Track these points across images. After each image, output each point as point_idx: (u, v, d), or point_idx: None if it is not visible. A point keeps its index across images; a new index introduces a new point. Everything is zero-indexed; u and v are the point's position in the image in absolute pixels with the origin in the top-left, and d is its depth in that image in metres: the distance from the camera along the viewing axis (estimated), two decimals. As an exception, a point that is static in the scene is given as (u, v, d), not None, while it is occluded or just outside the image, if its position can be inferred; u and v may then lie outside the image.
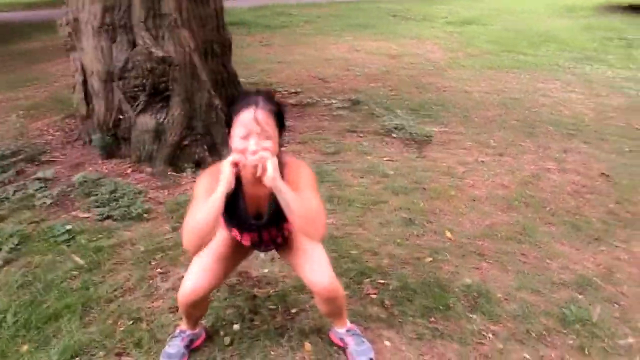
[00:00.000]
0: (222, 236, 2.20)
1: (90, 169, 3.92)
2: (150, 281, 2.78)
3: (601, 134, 4.94)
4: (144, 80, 3.74)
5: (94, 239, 3.12)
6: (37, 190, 3.62)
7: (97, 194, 3.48)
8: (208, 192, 1.85)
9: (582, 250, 3.17)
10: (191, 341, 2.34)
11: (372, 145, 4.63)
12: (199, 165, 3.94)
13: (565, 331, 2.52)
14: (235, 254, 2.24)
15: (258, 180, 1.86)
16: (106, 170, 3.90)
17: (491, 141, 4.78)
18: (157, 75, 3.73)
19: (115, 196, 3.45)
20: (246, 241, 2.20)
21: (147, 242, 3.09)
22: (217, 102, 4.00)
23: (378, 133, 4.92)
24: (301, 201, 1.84)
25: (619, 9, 10.70)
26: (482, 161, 4.37)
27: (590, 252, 3.15)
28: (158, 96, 3.81)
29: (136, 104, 3.84)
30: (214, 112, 3.98)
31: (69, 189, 3.65)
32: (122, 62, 3.80)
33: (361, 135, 4.87)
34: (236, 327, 2.47)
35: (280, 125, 1.91)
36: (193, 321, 2.33)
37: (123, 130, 3.97)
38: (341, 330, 2.36)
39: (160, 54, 3.71)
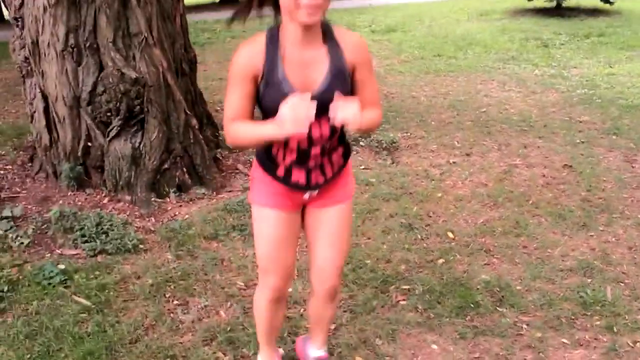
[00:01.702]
0: (269, 217, 1.90)
1: (61, 202, 3.64)
2: (171, 315, 2.62)
3: (550, 128, 5.25)
4: (118, 104, 3.53)
5: (93, 276, 2.90)
6: (7, 230, 3.31)
7: (81, 229, 3.22)
8: (244, 75, 1.68)
9: (574, 238, 3.35)
10: None
11: (344, 155, 4.64)
12: (181, 189, 3.77)
13: (589, 313, 2.65)
14: (290, 229, 1.94)
15: (307, 41, 1.66)
16: (80, 203, 3.64)
17: (455, 142, 4.94)
18: (131, 98, 3.53)
19: (102, 229, 3.22)
20: (292, 155, 1.79)
21: (153, 274, 2.91)
22: (194, 121, 3.86)
23: (344, 142, 4.95)
24: (377, 115, 1.79)
25: (527, 12, 11.46)
26: (454, 162, 4.51)
27: (582, 239, 3.34)
28: (132, 120, 3.62)
29: (109, 129, 3.62)
30: (192, 133, 3.83)
31: (44, 225, 3.37)
32: (91, 86, 3.57)
33: (328, 145, 4.87)
34: (281, 351, 2.38)
35: None
36: (273, 339, 2.20)
37: (93, 159, 3.72)
38: (312, 353, 2.26)
39: (133, 74, 3.52)
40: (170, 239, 3.24)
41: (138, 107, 3.58)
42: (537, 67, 7.59)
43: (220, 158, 4.33)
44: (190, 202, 3.70)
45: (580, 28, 9.81)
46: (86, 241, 3.15)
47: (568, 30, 9.71)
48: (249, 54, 1.68)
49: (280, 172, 1.84)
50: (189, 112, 3.82)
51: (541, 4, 11.43)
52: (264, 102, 1.71)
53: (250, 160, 4.47)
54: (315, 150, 1.78)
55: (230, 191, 3.93)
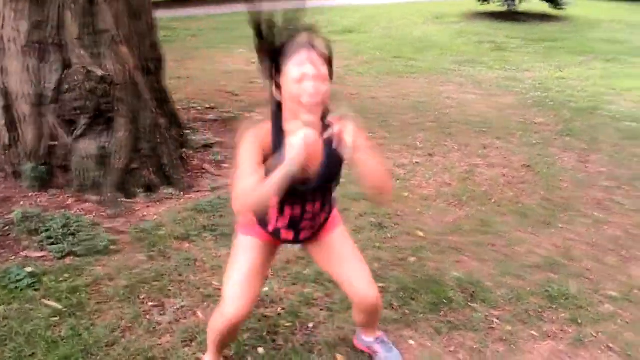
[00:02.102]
0: (254, 245, 2.05)
1: (22, 203, 3.52)
2: (148, 317, 2.58)
3: (508, 129, 5.44)
4: (86, 102, 3.45)
5: (63, 279, 2.81)
6: (-34, 233, 3.18)
7: (47, 230, 3.13)
8: (256, 156, 1.76)
9: (538, 235, 3.49)
10: None
11: (310, 155, 4.67)
12: (149, 189, 3.72)
13: (554, 307, 2.78)
14: (266, 262, 2.09)
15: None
16: (43, 204, 3.52)
17: (417, 143, 5.05)
18: (99, 96, 3.46)
19: (70, 230, 3.14)
20: (284, 221, 1.97)
21: (127, 275, 2.86)
22: (161, 121, 3.81)
23: (310, 142, 4.97)
24: (381, 167, 1.82)
25: (482, 16, 11.82)
26: (417, 162, 4.61)
27: (545, 236, 3.48)
28: (99, 118, 3.54)
29: (74, 128, 3.53)
30: (159, 132, 3.78)
31: (6, 227, 3.25)
32: (55, 83, 3.47)
33: (295, 145, 4.88)
34: (261, 350, 2.39)
35: (331, 70, 1.78)
36: (222, 350, 2.23)
37: (58, 158, 3.62)
38: (369, 338, 2.38)
39: (100, 72, 3.44)
40: (142, 240, 3.19)
41: (106, 105, 3.51)
42: (493, 69, 7.85)
43: (186, 158, 4.28)
44: (159, 203, 3.65)
45: (533, 33, 10.20)
46: (53, 243, 3.06)
47: (521, 34, 10.08)
48: (259, 135, 1.80)
49: (271, 228, 2.00)
50: (157, 111, 3.77)
51: (494, 9, 11.81)
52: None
53: (216, 160, 4.45)
54: (306, 218, 1.97)
55: (198, 191, 3.89)
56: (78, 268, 2.92)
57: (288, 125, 1.80)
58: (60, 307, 2.61)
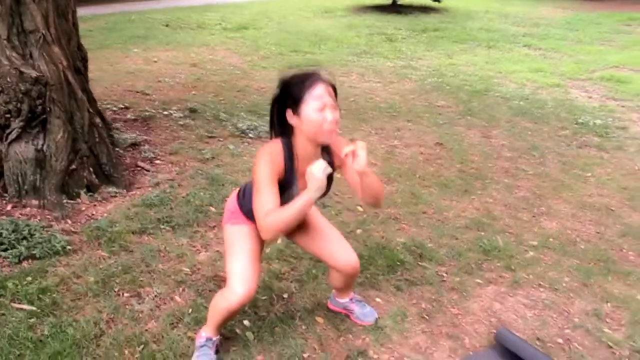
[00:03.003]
0: (248, 232, 2.25)
1: (-45, 214, 3.36)
2: (127, 307, 2.65)
3: (415, 112, 5.92)
4: (19, 105, 3.35)
5: (27, 282, 2.78)
6: None
7: (-4, 237, 3.05)
8: (273, 177, 1.99)
9: (461, 202, 3.93)
10: (217, 346, 2.37)
11: (240, 147, 4.82)
12: (90, 189, 3.68)
13: (490, 258, 3.21)
14: (260, 245, 2.30)
15: (314, 154, 2.06)
16: (-20, 213, 3.39)
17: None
18: (33, 98, 3.38)
19: (22, 234, 3.07)
20: None
21: (94, 271, 2.88)
22: (97, 120, 3.78)
23: (235, 135, 5.12)
24: (379, 181, 2.13)
25: (368, 9, 12.44)
26: (341, 146, 4.92)
27: (467, 202, 3.93)
28: (33, 121, 3.45)
29: (7, 132, 3.42)
30: (96, 132, 3.74)
31: (-54, 240, 3.10)
32: (-17, 87, 3.34)
33: (221, 139, 5.01)
34: (247, 322, 2.57)
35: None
36: (223, 326, 2.37)
37: (-11, 165, 3.49)
38: (344, 300, 2.64)
39: (33, 73, 3.35)
40: (98, 238, 3.19)
41: (40, 107, 3.43)
42: (389, 59, 8.38)
43: (119, 157, 4.26)
44: (104, 201, 3.63)
45: (417, 24, 10.93)
46: (6, 249, 2.98)
47: (407, 25, 10.76)
48: (275, 160, 2.03)
49: None
50: (91, 111, 3.74)
51: (379, 2, 12.48)
52: None
53: (149, 157, 4.46)
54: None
55: (139, 188, 3.91)
56: (40, 270, 2.88)
57: (297, 149, 2.07)
58: (34, 308, 2.60)
